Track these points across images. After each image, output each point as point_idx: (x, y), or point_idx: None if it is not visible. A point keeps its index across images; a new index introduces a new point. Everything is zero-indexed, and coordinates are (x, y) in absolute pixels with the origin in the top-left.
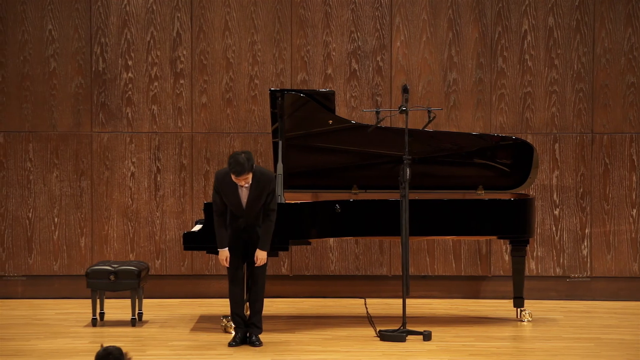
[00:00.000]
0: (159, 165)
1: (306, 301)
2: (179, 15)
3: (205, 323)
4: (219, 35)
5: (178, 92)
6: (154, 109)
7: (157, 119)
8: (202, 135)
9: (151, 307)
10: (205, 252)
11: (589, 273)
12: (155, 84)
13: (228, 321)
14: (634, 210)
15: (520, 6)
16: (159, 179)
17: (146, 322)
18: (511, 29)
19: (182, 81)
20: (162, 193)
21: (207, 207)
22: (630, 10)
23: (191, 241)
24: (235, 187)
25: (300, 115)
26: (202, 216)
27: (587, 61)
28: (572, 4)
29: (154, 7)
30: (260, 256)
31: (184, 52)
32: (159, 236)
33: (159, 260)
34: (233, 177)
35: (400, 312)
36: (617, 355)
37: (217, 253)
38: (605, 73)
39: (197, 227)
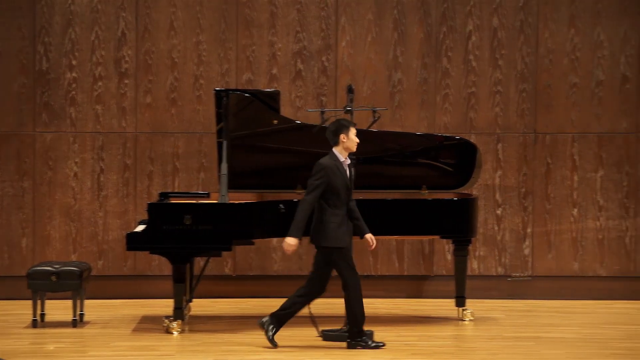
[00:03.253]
0: (102, 165)
1: (249, 301)
2: (124, 15)
3: (147, 323)
4: (164, 35)
5: (122, 92)
6: (97, 109)
7: (101, 119)
8: (147, 135)
9: (93, 307)
10: (148, 252)
11: (530, 272)
12: (100, 83)
13: (170, 321)
14: (575, 210)
15: (464, 7)
16: (102, 179)
17: (88, 322)
18: (456, 30)
19: (126, 81)
20: (105, 193)
21: (151, 208)
22: (573, 12)
23: (135, 241)
24: (343, 167)
25: (245, 115)
26: (146, 216)
27: (531, 61)
28: (517, 5)
29: (99, 7)
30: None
31: (129, 52)
32: (102, 236)
33: (102, 261)
34: (355, 131)
35: (343, 312)
36: (558, 353)
37: (161, 253)
38: (548, 73)
39: (141, 228)
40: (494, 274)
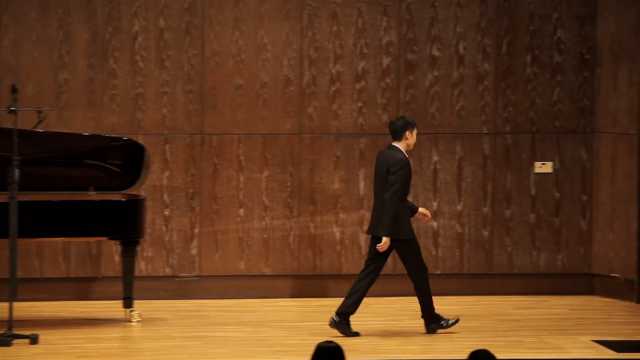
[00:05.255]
0: None
1: None
2: None
3: None
4: None
5: None
6: None
7: None
8: None
9: None
10: None
11: (197, 272)
12: None
13: None
14: (241, 210)
15: (130, 7)
16: None
17: None
18: (122, 30)
19: None
20: None
21: None
22: (237, 14)
23: None
24: None
25: None
26: None
27: (197, 63)
28: (182, 7)
29: None
30: None
31: None
32: None
33: None
34: (415, 132)
35: (7, 316)
36: (224, 352)
37: None
38: (214, 75)
39: None
40: (162, 274)
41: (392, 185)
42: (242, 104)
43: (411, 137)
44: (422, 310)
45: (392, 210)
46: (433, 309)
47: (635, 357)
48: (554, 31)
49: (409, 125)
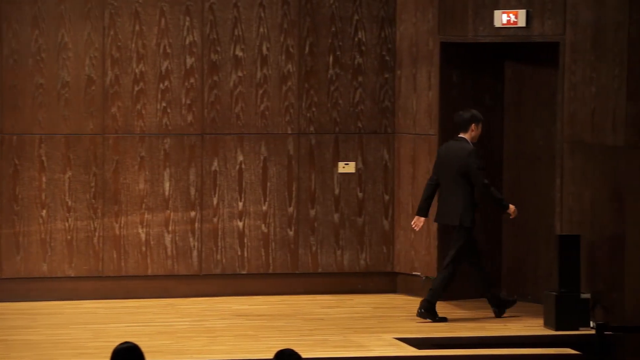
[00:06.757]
0: None
1: None
2: None
3: None
4: None
5: None
6: None
7: None
8: None
9: None
10: None
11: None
12: None
13: None
14: (44, 211)
15: None
16: None
17: None
18: None
19: None
20: None
21: None
22: (36, 13)
23: None
24: None
25: None
26: None
27: None
28: None
29: None
30: None
31: None
32: None
33: None
34: (481, 125)
35: None
36: (26, 355)
37: None
38: (13, 74)
39: None
40: None
41: (477, 175)
42: (43, 104)
43: (476, 129)
44: (428, 296)
45: (492, 192)
46: (440, 297)
47: (434, 354)
48: (355, 33)
49: (475, 119)
